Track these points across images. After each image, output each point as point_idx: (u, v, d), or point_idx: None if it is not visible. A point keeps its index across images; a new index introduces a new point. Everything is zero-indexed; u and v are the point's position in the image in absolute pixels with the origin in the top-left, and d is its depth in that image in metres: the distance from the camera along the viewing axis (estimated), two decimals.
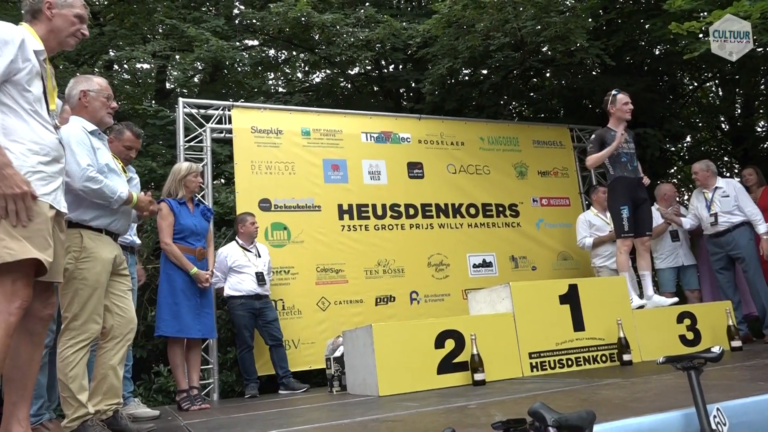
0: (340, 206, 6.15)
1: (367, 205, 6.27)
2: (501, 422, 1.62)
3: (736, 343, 4.47)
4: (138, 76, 10.51)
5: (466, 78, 9.56)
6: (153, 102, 9.06)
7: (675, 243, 6.08)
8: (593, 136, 5.19)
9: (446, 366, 3.87)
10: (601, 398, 2.75)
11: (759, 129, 13.46)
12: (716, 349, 2.01)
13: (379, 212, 6.31)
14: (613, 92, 5.18)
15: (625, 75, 8.82)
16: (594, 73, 9.54)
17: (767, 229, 5.51)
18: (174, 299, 4.37)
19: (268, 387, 5.43)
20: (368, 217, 6.25)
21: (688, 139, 13.13)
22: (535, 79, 10.34)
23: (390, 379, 3.73)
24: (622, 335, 4.16)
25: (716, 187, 5.74)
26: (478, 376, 3.80)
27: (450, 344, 3.91)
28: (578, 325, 4.23)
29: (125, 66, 10.36)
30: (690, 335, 4.58)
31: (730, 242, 5.59)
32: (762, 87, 12.09)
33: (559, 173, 7.32)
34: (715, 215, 5.64)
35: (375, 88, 10.92)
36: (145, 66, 10.30)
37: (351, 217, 6.17)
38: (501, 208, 6.84)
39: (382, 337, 3.81)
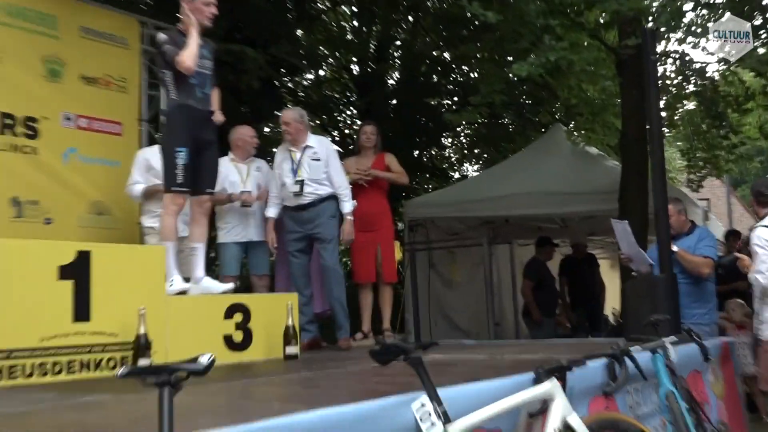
0: None
1: None
2: None
3: (292, 349, 4.94)
4: None
5: None
6: None
7: (245, 209, 6.40)
8: (163, 35, 5.07)
9: None
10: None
11: (392, 82, 15.50)
12: (204, 360, 2.04)
13: None
14: None
15: None
16: None
17: (352, 209, 6.22)
18: None
19: None
20: None
21: (309, 75, 14.28)
22: None
23: None
24: (143, 331, 4.18)
25: (306, 146, 6.21)
26: None
27: None
28: (82, 312, 4.15)
29: None
30: (238, 336, 4.89)
31: (313, 219, 6.14)
32: (403, 25, 13.83)
33: (113, 85, 7.14)
34: (302, 183, 6.07)
35: None
36: None
37: None
38: (10, 121, 6.35)
39: None
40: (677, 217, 6.27)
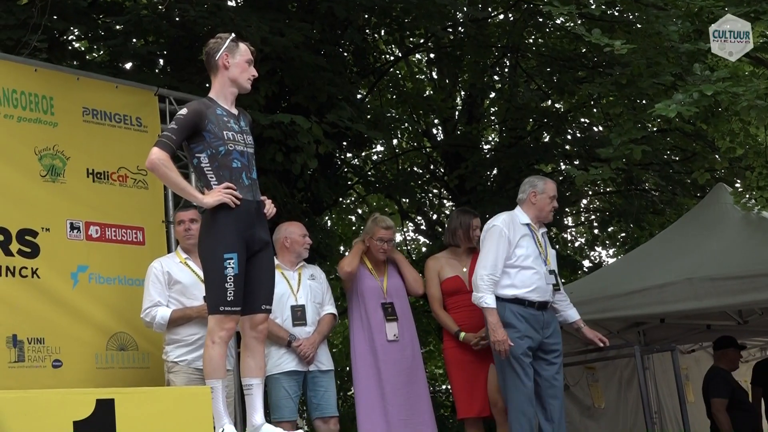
0: None
1: None
2: None
3: None
4: None
5: None
6: None
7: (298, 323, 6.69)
8: (184, 110, 5.22)
9: None
10: None
11: (488, 146, 15.57)
12: None
13: None
14: (229, 36, 5.39)
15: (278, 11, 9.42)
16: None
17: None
18: None
19: None
20: None
21: (378, 146, 14.48)
22: None
23: None
24: None
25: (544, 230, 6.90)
26: None
27: None
28: None
29: None
30: None
31: (549, 323, 6.59)
32: (498, 71, 13.92)
33: (130, 179, 7.32)
34: (555, 273, 6.68)
35: None
36: None
37: None
38: (0, 237, 6.53)
39: None
40: None
